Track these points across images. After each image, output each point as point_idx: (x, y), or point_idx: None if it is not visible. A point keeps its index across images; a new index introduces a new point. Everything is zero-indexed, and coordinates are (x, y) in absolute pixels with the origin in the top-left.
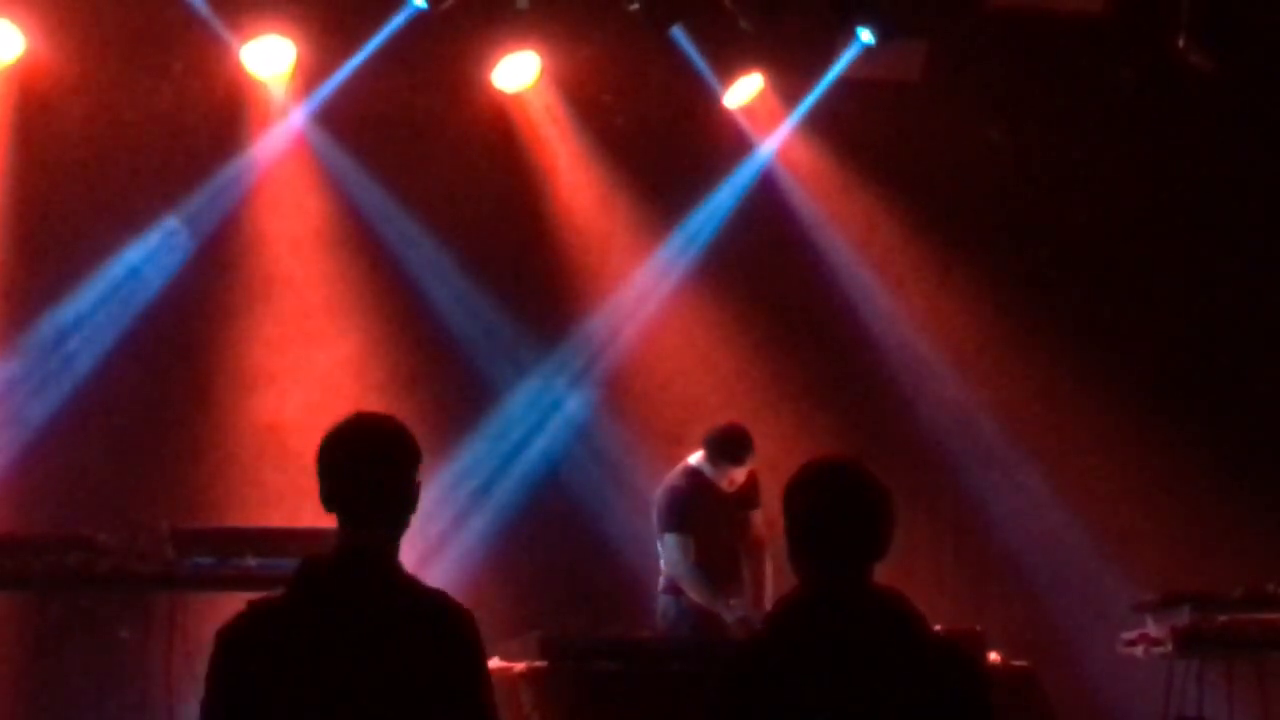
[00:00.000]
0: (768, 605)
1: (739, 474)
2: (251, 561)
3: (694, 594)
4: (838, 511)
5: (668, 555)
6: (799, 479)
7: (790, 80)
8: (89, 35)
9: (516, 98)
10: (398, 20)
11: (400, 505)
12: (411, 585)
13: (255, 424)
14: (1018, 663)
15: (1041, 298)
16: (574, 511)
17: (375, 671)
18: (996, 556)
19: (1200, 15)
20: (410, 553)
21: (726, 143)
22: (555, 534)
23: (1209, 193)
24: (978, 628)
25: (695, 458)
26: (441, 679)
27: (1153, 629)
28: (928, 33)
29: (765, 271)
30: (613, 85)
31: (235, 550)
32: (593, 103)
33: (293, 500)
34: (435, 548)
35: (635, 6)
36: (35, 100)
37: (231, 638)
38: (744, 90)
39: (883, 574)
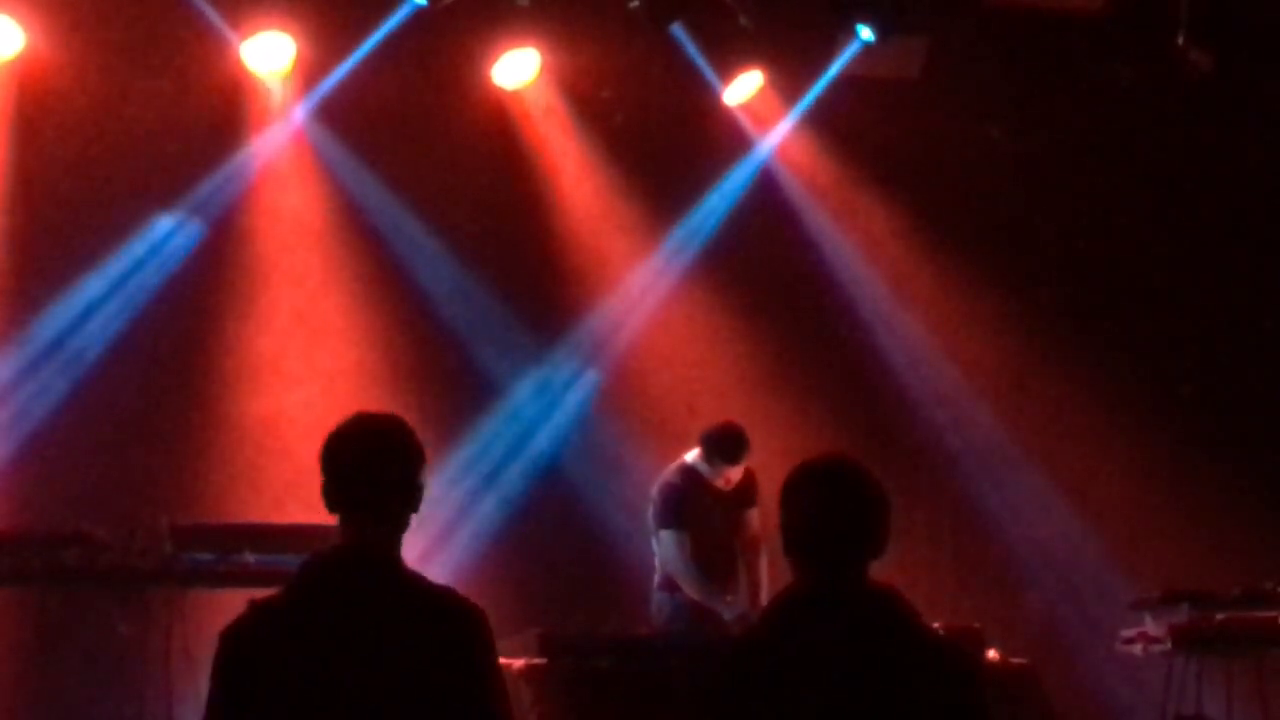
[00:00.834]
0: (763, 603)
1: (734, 473)
2: (250, 558)
3: (691, 590)
4: (835, 510)
5: (663, 552)
6: (797, 477)
7: (790, 77)
8: (89, 32)
9: (516, 94)
10: (397, 17)
11: (403, 504)
12: (418, 583)
13: (254, 420)
14: (1016, 660)
15: (1040, 295)
16: (573, 508)
17: (382, 670)
18: (995, 554)
19: (1199, 14)
20: (410, 548)
21: (726, 140)
22: (554, 531)
23: (1208, 191)
24: (976, 625)
25: (692, 455)
26: (450, 677)
27: (1151, 627)
28: (927, 30)
29: (764, 268)
30: (613, 82)
31: (234, 546)
32: (592, 100)
33: (292, 496)
34: (435, 543)
35: (635, 4)
36: (35, 96)
37: (236, 636)
38: (744, 87)
39: (880, 572)
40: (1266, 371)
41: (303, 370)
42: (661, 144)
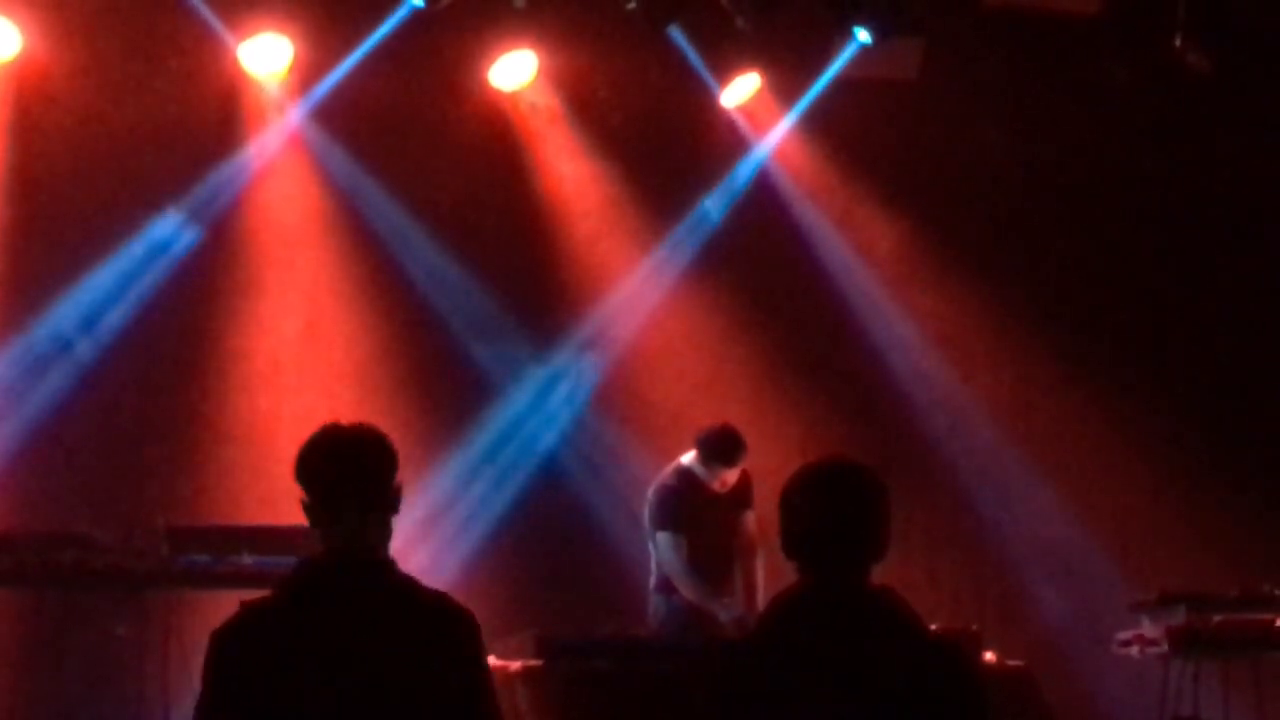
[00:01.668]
0: (759, 606)
1: (730, 475)
2: (247, 559)
3: (688, 593)
4: (836, 512)
5: (660, 554)
6: (798, 479)
7: (787, 79)
8: (86, 33)
9: (513, 96)
10: (395, 18)
11: (381, 507)
12: (408, 586)
13: (252, 421)
14: (1013, 662)
15: (1038, 297)
16: (570, 510)
17: (372, 672)
18: (993, 556)
19: (1197, 15)
20: (408, 549)
21: (723, 142)
22: (551, 533)
23: (1207, 192)
24: (974, 627)
25: (688, 458)
26: (441, 679)
27: (1148, 629)
28: (925, 32)
29: (761, 271)
30: (610, 84)
31: (231, 548)
32: (590, 102)
33: (289, 498)
34: (432, 545)
35: (633, 5)
36: (33, 98)
37: (226, 638)
38: (741, 89)
39: (879, 574)
40: (1266, 372)
41: (301, 372)
42: (659, 146)
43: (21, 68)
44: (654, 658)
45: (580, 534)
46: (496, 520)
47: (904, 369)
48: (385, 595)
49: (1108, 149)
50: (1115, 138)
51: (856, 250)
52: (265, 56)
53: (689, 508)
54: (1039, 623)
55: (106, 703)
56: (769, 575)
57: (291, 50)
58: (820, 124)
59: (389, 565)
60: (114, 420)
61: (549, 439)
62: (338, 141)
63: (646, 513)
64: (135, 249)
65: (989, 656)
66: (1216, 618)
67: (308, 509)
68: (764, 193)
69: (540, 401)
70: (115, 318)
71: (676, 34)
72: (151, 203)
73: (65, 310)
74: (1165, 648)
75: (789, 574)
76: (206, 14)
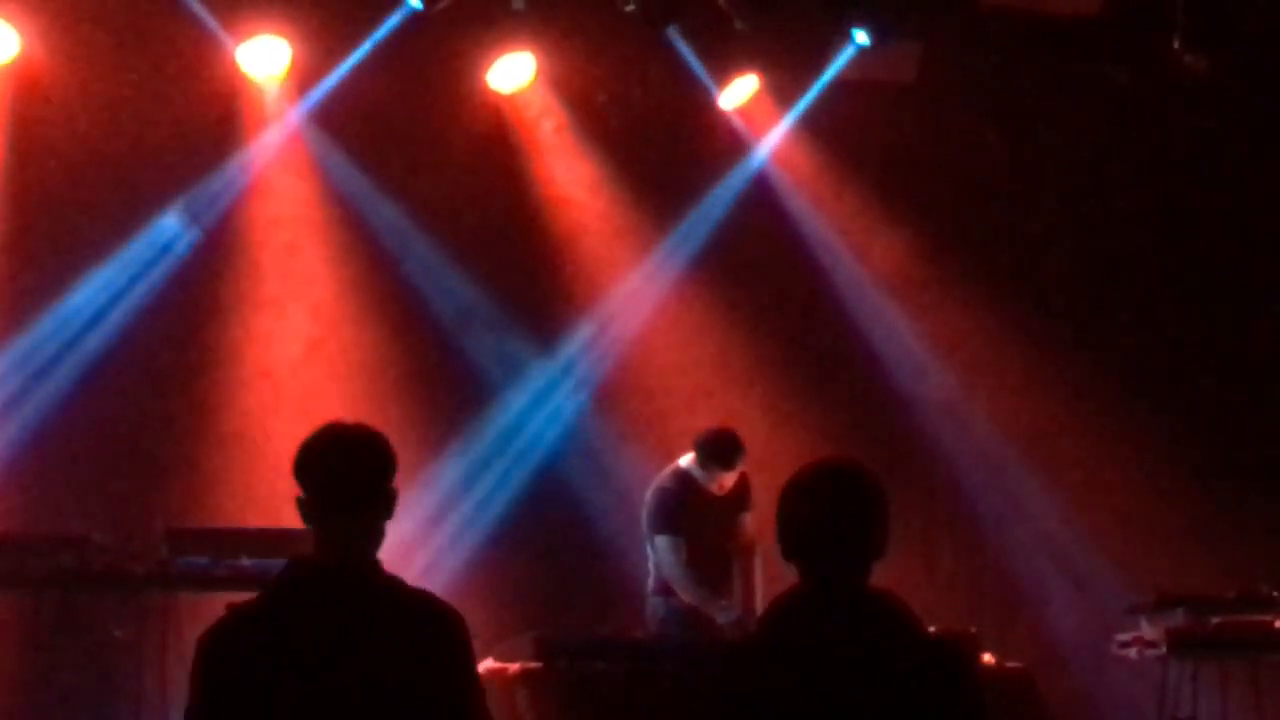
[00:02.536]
0: (758, 608)
1: (728, 478)
2: (246, 562)
3: (686, 595)
4: (836, 513)
5: (658, 557)
6: (797, 480)
7: (785, 81)
8: (85, 36)
9: (512, 98)
10: (393, 20)
11: (377, 511)
12: (395, 587)
13: (250, 423)
14: (1012, 664)
15: (1036, 299)
16: (568, 512)
17: (359, 673)
18: (991, 558)
19: (1194, 16)
20: (404, 554)
21: (722, 144)
22: (550, 535)
23: (1204, 193)
24: (972, 629)
25: (686, 459)
26: (428, 680)
27: (1147, 631)
28: (922, 34)
29: (760, 273)
30: (608, 86)
31: (229, 550)
32: (588, 103)
33: (287, 501)
34: (431, 547)
35: (631, 7)
36: (31, 100)
37: (213, 641)
38: (739, 91)
39: (877, 575)
40: (1264, 373)
41: (300, 373)
42: (657, 148)
43: (20, 69)
44: (653, 660)
45: (579, 536)
46: (496, 522)
47: (903, 369)
48: (371, 597)
49: (1106, 151)
50: (1113, 139)
51: (855, 251)
52: (264, 59)
53: (687, 510)
54: (1038, 624)
55: (105, 704)
56: (767, 578)
57: (290, 52)
58: (818, 126)
59: (375, 567)
60: (113, 422)
61: (548, 441)
62: (336, 143)
63: (645, 515)
64: (134, 251)
65: (988, 658)
66: (1215, 619)
67: (301, 505)
68: (762, 194)
69: (540, 403)
70: (114, 320)
71: (675, 36)
72: (150, 205)
73: (64, 311)
74: (1164, 649)
75: (787, 576)
76: (205, 16)
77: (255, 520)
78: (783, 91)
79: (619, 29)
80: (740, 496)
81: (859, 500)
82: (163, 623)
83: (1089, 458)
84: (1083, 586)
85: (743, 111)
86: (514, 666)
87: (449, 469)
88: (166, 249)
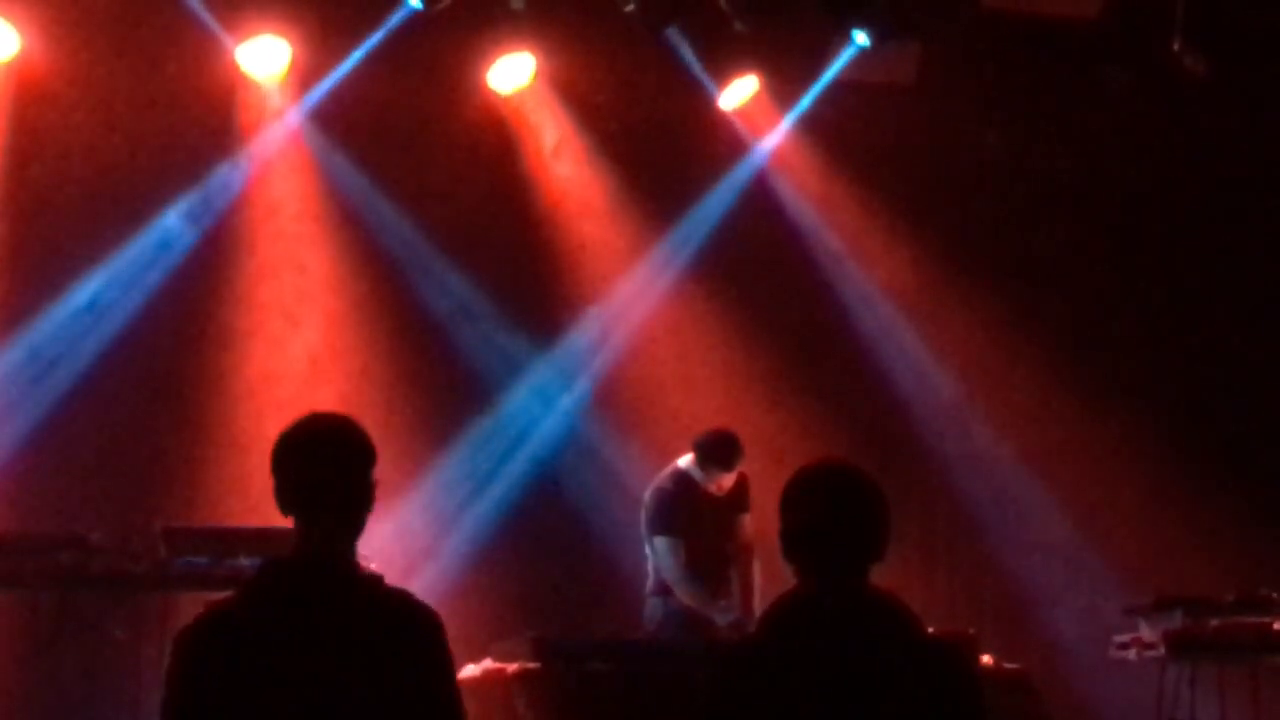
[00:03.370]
0: (756, 609)
1: (727, 479)
2: (244, 561)
3: (685, 597)
4: (835, 515)
5: (657, 558)
6: (797, 482)
7: (785, 82)
8: (85, 34)
9: (511, 99)
10: (393, 20)
11: (356, 504)
12: (372, 585)
13: (249, 423)
14: (1011, 666)
15: (1036, 301)
16: (567, 513)
17: (337, 672)
18: (990, 560)
19: (1194, 19)
20: (404, 553)
21: (721, 144)
22: (548, 535)
23: (1204, 196)
24: (971, 631)
25: (685, 460)
26: (404, 678)
27: (1145, 633)
28: (922, 35)
29: (759, 274)
30: (608, 87)
31: (228, 550)
32: (587, 104)
33: None
34: (428, 549)
35: (631, 8)
36: (30, 100)
37: (189, 640)
38: (739, 92)
39: (877, 577)
40: (1262, 376)
41: (299, 373)
42: (657, 149)
43: (20, 68)
44: (651, 660)
45: (577, 536)
46: (494, 523)
47: (901, 371)
48: (348, 595)
49: (1106, 152)
50: (1113, 141)
51: (855, 251)
52: (264, 58)
53: (686, 511)
54: (1037, 626)
55: (103, 704)
56: (765, 578)
57: (290, 52)
58: (818, 127)
59: (353, 564)
60: (111, 422)
61: (545, 441)
62: (336, 143)
63: (643, 516)
64: (133, 251)
65: (987, 660)
66: (1213, 622)
67: (279, 498)
68: (761, 195)
69: (537, 404)
70: (113, 319)
71: (674, 36)
72: (150, 204)
73: (64, 311)
74: (1162, 651)
75: (787, 577)
76: (205, 16)
77: (254, 520)
78: (782, 92)
79: (619, 30)
80: (739, 497)
81: (859, 502)
82: (161, 623)
83: (1088, 459)
84: (1082, 588)
85: (742, 112)
86: (512, 667)
87: (449, 468)
88: (165, 248)
